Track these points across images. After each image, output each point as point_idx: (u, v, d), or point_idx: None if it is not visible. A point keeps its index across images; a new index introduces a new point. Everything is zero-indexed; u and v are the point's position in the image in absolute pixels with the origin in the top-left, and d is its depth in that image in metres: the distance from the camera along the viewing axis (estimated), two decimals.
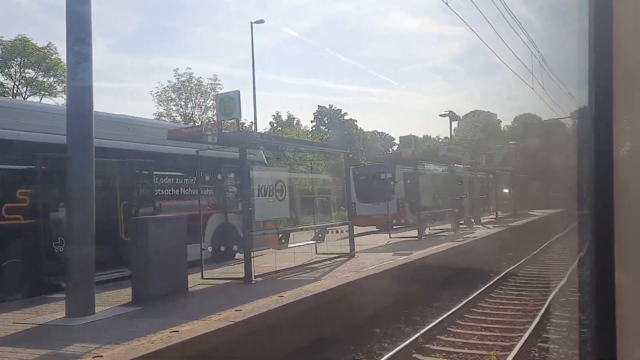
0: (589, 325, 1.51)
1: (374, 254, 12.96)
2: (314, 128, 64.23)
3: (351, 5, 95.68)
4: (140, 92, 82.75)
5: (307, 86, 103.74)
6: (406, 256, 11.94)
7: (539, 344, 7.38)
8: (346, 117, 66.10)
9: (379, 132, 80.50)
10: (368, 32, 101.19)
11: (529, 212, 30.46)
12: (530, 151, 49.14)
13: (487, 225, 21.89)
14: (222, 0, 77.47)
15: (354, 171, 25.57)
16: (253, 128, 37.10)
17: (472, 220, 21.56)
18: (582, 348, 5.27)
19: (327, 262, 11.47)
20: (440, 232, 18.90)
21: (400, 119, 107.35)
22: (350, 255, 12.28)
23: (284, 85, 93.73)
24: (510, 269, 13.66)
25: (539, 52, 21.28)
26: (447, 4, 12.54)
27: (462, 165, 23.18)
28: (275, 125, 59.79)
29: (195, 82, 36.91)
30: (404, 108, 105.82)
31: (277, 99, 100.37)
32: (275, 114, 62.48)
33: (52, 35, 60.89)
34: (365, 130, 72.71)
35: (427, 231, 18.00)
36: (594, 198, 1.42)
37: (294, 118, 62.49)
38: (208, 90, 37.13)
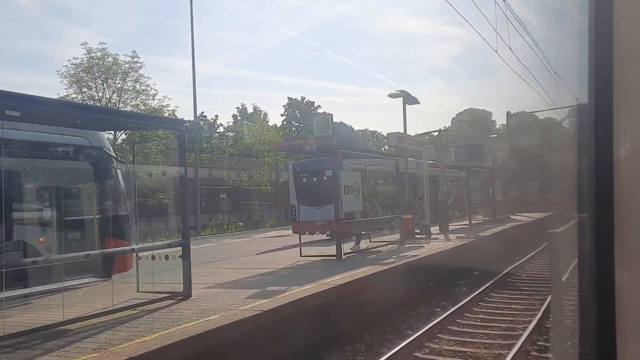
0: (590, 325, 1.48)
1: (231, 291, 8.66)
2: (284, 122, 58.83)
3: (351, 6, 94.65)
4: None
5: (306, 86, 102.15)
6: (263, 301, 7.62)
7: None
8: (319, 110, 58.40)
9: (370, 131, 76.11)
10: (368, 33, 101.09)
11: (514, 216, 27.37)
12: (522, 149, 45.30)
13: (451, 236, 17.72)
14: (221, 1, 78.24)
15: (294, 167, 21.79)
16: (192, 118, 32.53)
17: (430, 228, 17.07)
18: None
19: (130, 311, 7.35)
20: (381, 246, 14.99)
21: (398, 119, 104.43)
22: (185, 295, 7.87)
23: (283, 85, 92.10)
24: (424, 331, 8.42)
25: (541, 51, 18.34)
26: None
27: (425, 161, 19.41)
28: (239, 118, 53.33)
29: (111, 60, 31.18)
30: (402, 109, 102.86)
31: (277, 99, 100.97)
32: (240, 106, 54.24)
33: (51, 35, 60.03)
34: (356, 129, 68.62)
35: (362, 245, 14.16)
36: (594, 198, 1.41)
37: (261, 111, 53.45)
38: (127, 70, 31.55)
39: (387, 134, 17.59)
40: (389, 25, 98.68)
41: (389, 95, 18.39)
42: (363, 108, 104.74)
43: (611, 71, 1.35)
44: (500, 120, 70.81)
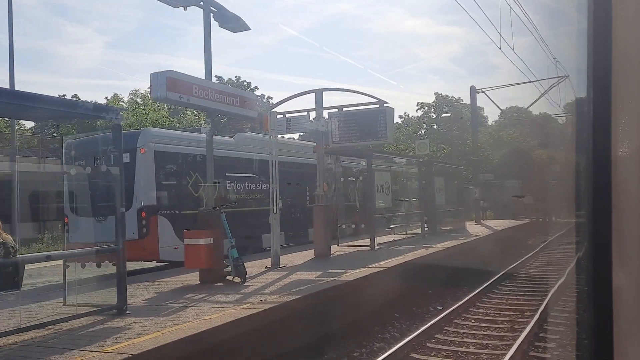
0: (587, 326, 1.49)
1: None
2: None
3: (350, 5, 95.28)
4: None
5: (305, 85, 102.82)
6: None
7: None
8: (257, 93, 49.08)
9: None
10: (367, 32, 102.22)
11: (475, 226, 24.00)
12: (505, 143, 44.31)
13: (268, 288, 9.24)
14: (222, 0, 75.76)
15: (67, 148, 13.82)
16: None
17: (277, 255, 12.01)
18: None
19: None
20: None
21: (397, 119, 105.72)
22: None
23: (282, 84, 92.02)
24: None
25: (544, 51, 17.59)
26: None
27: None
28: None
29: None
30: (402, 108, 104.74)
31: (277, 99, 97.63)
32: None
33: (50, 33, 59.10)
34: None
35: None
36: (591, 198, 1.42)
37: None
38: None
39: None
40: (388, 25, 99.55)
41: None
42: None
43: (610, 71, 1.35)
44: (492, 117, 70.57)
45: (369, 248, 14.80)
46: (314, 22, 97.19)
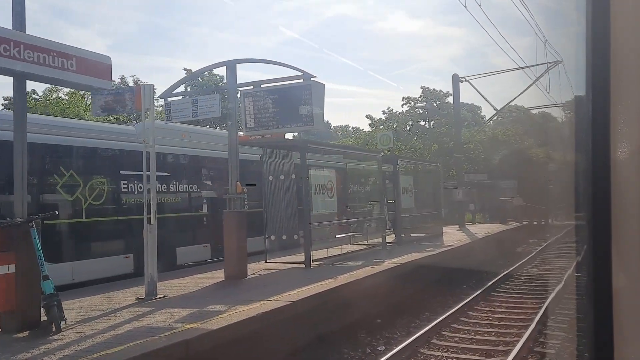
0: (586, 327, 1.46)
1: None
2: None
3: (352, 7, 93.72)
4: None
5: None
6: None
7: None
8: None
9: (352, 127, 72.75)
10: (368, 34, 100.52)
11: (454, 232, 20.41)
12: (500, 141, 41.49)
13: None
14: (221, 1, 78.28)
15: None
16: None
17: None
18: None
19: None
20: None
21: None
22: None
23: None
24: None
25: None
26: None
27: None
28: None
29: None
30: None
31: None
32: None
33: (52, 36, 58.02)
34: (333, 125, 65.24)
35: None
36: (591, 198, 1.40)
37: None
38: None
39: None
40: (388, 26, 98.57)
41: None
42: (361, 109, 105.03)
43: (608, 71, 1.35)
44: (490, 115, 67.45)
45: (303, 265, 11.66)
46: (315, 24, 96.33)
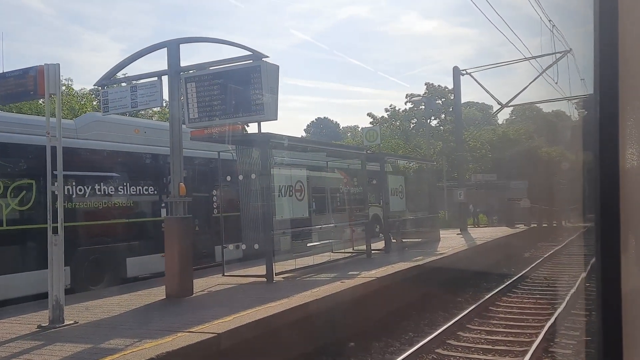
0: (596, 330, 1.40)
1: None
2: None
3: (364, 9, 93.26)
4: None
5: (317, 89, 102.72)
6: None
7: None
8: None
9: (361, 128, 72.47)
10: (381, 35, 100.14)
11: (453, 237, 18.71)
12: (511, 140, 39.74)
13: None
14: (233, 5, 76.29)
15: None
16: None
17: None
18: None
19: None
20: None
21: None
22: None
23: (293, 87, 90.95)
24: None
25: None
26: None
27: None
28: None
29: None
30: None
31: (289, 101, 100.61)
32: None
33: (68, 41, 59.06)
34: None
35: None
36: (599, 201, 1.37)
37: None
38: None
39: None
40: (400, 27, 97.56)
41: None
42: (374, 110, 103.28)
43: (617, 73, 1.32)
44: (502, 115, 65.83)
45: (264, 279, 10.04)
46: (327, 26, 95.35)
